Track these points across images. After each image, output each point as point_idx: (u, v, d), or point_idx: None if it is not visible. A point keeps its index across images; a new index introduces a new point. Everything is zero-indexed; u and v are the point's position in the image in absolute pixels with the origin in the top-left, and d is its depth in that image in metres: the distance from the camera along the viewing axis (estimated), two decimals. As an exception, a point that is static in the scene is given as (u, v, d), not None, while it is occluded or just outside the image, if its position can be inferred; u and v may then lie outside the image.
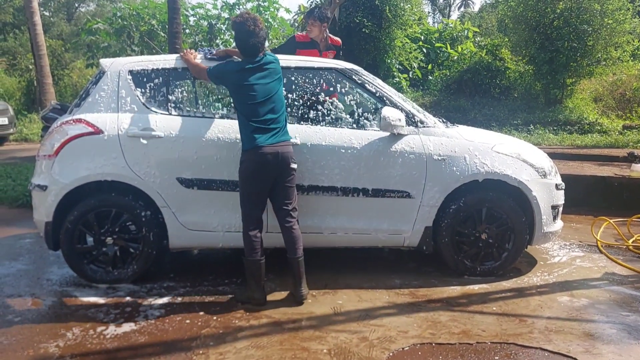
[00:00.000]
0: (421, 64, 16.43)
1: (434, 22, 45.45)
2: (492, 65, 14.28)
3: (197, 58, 3.88)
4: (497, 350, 2.91)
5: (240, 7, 15.54)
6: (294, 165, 3.54)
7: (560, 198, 4.22)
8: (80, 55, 23.28)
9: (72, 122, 3.78)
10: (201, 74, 3.73)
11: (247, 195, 3.51)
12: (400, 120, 3.81)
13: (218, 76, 3.59)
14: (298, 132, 3.81)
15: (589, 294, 3.73)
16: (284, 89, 3.71)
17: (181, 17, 11.01)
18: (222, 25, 15.23)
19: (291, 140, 3.60)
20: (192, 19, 15.58)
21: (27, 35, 19.74)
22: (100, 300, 3.57)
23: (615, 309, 3.47)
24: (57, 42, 19.89)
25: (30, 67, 16.24)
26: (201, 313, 3.38)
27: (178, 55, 3.98)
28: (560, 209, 4.28)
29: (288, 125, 3.72)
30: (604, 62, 12.89)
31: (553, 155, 4.93)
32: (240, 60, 3.61)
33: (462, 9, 55.98)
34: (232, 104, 3.74)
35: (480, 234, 4.00)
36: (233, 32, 3.63)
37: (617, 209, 6.21)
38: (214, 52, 3.95)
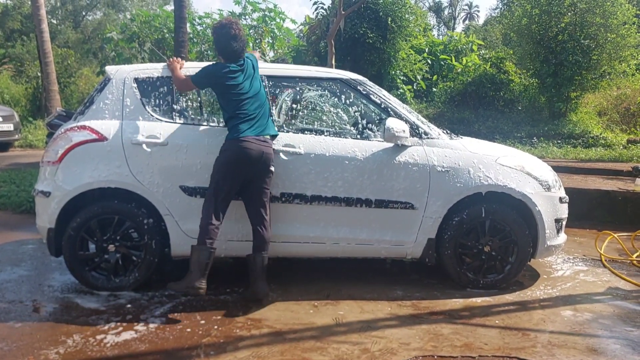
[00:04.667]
0: (426, 75, 16.47)
1: (438, 35, 45.66)
2: (496, 78, 14.31)
3: None
4: (500, 364, 2.89)
5: (247, 17, 15.67)
6: (273, 169, 3.62)
7: (564, 211, 4.21)
8: (87, 63, 23.46)
9: (76, 128, 3.80)
10: (184, 83, 3.72)
11: (220, 185, 3.54)
12: (404, 131, 3.81)
13: (204, 78, 3.65)
14: (302, 142, 3.82)
15: (593, 308, 3.70)
16: (289, 98, 3.73)
17: (188, 26, 11.10)
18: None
19: (276, 133, 3.70)
20: (199, 28, 15.70)
21: (34, 43, 19.89)
22: (102, 308, 3.56)
23: (619, 324, 3.44)
24: (69, 51, 20.06)
25: (39, 74, 16.35)
26: (202, 322, 3.37)
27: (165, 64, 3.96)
28: (564, 222, 4.26)
29: (292, 134, 3.73)
30: (608, 76, 12.89)
31: (557, 169, 4.92)
32: (225, 62, 3.65)
33: (466, 21, 56.33)
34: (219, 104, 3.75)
35: (483, 247, 3.98)
36: (214, 37, 3.70)
37: (621, 223, 6.18)
38: None
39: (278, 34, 16.44)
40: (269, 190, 3.66)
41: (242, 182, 3.58)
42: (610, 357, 2.97)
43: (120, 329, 3.25)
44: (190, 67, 3.86)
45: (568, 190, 4.47)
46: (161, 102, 3.90)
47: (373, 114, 4.13)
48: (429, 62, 17.05)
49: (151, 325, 3.30)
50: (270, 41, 16.43)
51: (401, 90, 14.70)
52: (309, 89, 4.17)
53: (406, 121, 3.96)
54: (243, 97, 3.57)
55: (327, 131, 3.97)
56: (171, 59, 3.91)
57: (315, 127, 4.00)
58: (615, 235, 5.35)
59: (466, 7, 59.95)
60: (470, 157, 3.96)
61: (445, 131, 4.26)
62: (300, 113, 4.06)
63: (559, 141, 11.72)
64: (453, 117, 13.55)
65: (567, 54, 12.31)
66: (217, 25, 3.65)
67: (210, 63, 3.78)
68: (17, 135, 13.00)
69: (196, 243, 3.52)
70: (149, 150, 3.75)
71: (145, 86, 3.91)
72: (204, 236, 3.51)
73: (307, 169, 3.77)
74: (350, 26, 13.34)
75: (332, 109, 4.08)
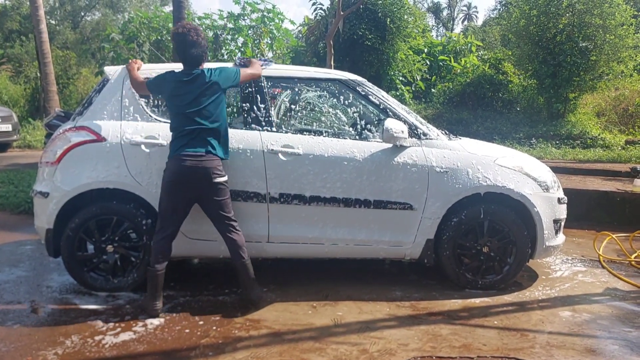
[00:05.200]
0: (424, 76, 16.48)
1: (437, 36, 45.72)
2: (494, 79, 14.33)
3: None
4: (498, 365, 2.89)
5: (246, 18, 15.68)
6: (221, 179, 3.44)
7: (562, 212, 4.21)
8: (86, 63, 23.45)
9: (75, 129, 3.80)
10: (140, 86, 3.68)
11: (163, 205, 3.48)
12: (403, 132, 3.81)
13: (157, 86, 3.59)
14: (301, 143, 3.82)
15: (591, 309, 3.71)
16: (288, 98, 3.72)
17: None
18: (227, 36, 15.36)
19: (221, 156, 3.50)
20: (198, 28, 15.70)
21: (33, 43, 19.88)
22: (100, 308, 3.56)
23: (617, 324, 3.45)
24: (71, 53, 20.05)
25: (38, 74, 16.36)
26: (201, 323, 3.37)
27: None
28: (563, 223, 4.27)
29: (291, 135, 3.73)
30: (606, 77, 12.92)
31: (555, 169, 4.93)
32: (179, 71, 3.56)
33: (465, 22, 56.40)
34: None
35: (481, 247, 3.98)
36: (174, 43, 3.61)
37: (620, 224, 6.19)
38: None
39: (277, 34, 16.45)
40: (226, 198, 3.51)
41: (189, 199, 3.48)
42: (609, 358, 2.98)
43: (119, 329, 3.24)
44: (147, 69, 3.86)
45: (566, 191, 4.48)
46: (160, 103, 3.90)
47: (372, 114, 4.13)
48: (428, 63, 17.07)
49: (150, 326, 3.30)
50: (269, 42, 16.44)
51: (400, 91, 14.71)
52: (308, 90, 4.17)
53: (405, 122, 3.96)
54: (181, 110, 3.43)
55: (325, 132, 3.97)
56: (130, 60, 3.89)
57: (314, 127, 4.00)
58: (614, 236, 5.35)
59: (465, 8, 60.06)
60: (468, 158, 3.97)
61: (443, 132, 4.26)
62: (299, 114, 4.06)
63: (558, 142, 11.73)
64: (452, 118, 13.56)
65: (566, 55, 12.33)
66: (176, 31, 3.54)
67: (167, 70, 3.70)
68: (15, 136, 13.00)
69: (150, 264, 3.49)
70: (147, 150, 3.75)
71: (144, 87, 3.91)
72: (154, 257, 3.47)
73: (305, 170, 3.77)
74: (349, 27, 13.34)
75: (330, 109, 4.08)
